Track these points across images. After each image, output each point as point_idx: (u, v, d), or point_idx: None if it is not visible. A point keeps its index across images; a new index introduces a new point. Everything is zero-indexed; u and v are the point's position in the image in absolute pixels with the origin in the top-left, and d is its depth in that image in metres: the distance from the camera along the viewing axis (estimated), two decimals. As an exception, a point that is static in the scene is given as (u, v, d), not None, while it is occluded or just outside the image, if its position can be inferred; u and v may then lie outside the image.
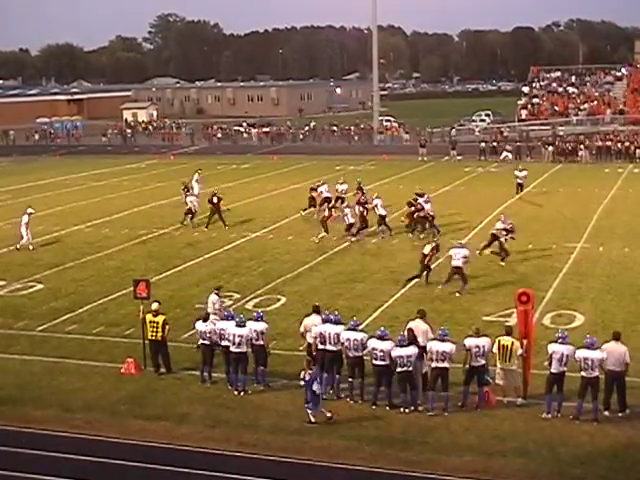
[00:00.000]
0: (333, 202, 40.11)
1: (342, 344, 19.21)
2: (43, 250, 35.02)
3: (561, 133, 70.04)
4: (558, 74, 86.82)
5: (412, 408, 18.42)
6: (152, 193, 50.00)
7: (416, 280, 28.24)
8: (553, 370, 18.20)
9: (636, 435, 17.07)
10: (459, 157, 66.94)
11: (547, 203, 43.12)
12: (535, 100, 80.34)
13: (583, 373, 17.95)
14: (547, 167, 59.86)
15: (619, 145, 65.21)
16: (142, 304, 21.36)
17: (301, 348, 20.99)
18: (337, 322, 19.68)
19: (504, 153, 64.51)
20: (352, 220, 35.24)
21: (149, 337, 20.94)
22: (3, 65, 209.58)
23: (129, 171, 63.14)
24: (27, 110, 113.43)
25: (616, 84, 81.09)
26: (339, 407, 18.72)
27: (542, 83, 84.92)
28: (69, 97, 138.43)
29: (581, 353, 18.00)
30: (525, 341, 18.99)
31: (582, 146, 64.45)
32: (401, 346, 18.47)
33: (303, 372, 18.21)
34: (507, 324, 20.91)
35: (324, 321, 19.76)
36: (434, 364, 18.35)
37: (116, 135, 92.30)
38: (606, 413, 18.00)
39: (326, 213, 36.09)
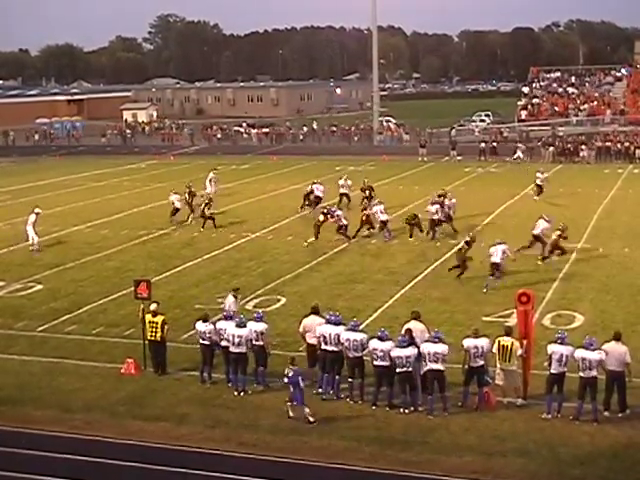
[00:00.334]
0: (342, 199, 40.64)
1: (342, 345, 19.25)
2: (43, 250, 35.00)
3: (561, 134, 70.02)
4: (558, 74, 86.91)
5: (412, 409, 18.43)
6: (152, 194, 49.98)
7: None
8: (553, 371, 18.22)
9: (636, 435, 17.08)
10: (459, 157, 66.93)
11: (547, 203, 43.09)
12: (535, 100, 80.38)
13: (581, 373, 17.98)
14: (547, 167, 59.76)
15: (619, 145, 65.19)
16: (142, 304, 21.36)
17: (301, 349, 20.98)
18: (337, 323, 19.68)
19: (517, 152, 64.43)
20: (345, 222, 35.14)
21: (148, 337, 20.96)
22: (3, 65, 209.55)
23: (129, 172, 63.15)
24: (27, 110, 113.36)
25: (616, 84, 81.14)
26: (339, 407, 18.75)
27: (542, 83, 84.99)
28: (69, 97, 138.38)
29: (579, 353, 18.02)
30: (525, 341, 19.00)
31: (584, 146, 64.48)
32: (401, 347, 18.48)
33: (287, 369, 18.31)
34: (507, 324, 20.90)
35: (327, 322, 19.81)
36: (428, 366, 18.33)
37: (116, 136, 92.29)
38: (606, 413, 18.00)
39: (321, 218, 35.51)
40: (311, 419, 17.93)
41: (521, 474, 15.74)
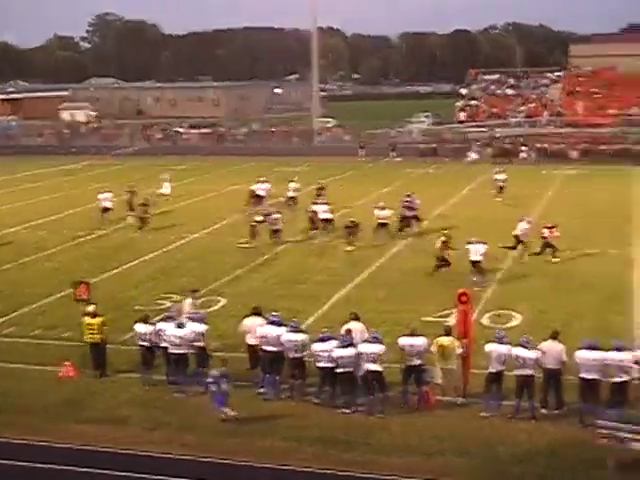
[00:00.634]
0: (290, 201, 40.81)
1: (283, 345, 19.26)
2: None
3: (498, 135, 70.73)
4: (496, 76, 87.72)
5: (354, 409, 18.51)
6: (90, 194, 49.30)
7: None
8: (491, 369, 18.43)
9: (573, 432, 17.33)
10: (398, 158, 67.25)
11: (486, 204, 43.55)
12: (473, 102, 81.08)
13: (518, 372, 18.21)
14: (486, 168, 60.41)
15: (555, 147, 66.17)
16: (82, 306, 21.17)
17: (242, 350, 20.94)
18: (278, 323, 19.70)
19: (472, 155, 64.96)
20: (280, 226, 34.99)
21: (87, 339, 20.76)
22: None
23: (66, 172, 62.39)
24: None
25: (552, 86, 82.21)
26: (280, 408, 18.76)
27: (480, 85, 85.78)
28: (4, 97, 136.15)
29: (516, 352, 18.28)
30: (464, 341, 19.18)
31: (524, 147, 65.44)
32: (342, 347, 18.55)
33: (211, 371, 18.34)
34: (446, 324, 21.06)
35: (268, 323, 19.82)
36: (366, 366, 18.41)
37: (53, 135, 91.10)
38: (543, 411, 18.24)
39: (258, 219, 35.38)
40: (231, 414, 17.94)
41: (460, 473, 15.88)
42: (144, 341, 20.24)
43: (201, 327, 20.09)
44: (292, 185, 43.80)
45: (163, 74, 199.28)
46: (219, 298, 27.29)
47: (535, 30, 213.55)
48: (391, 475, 15.81)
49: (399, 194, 40.23)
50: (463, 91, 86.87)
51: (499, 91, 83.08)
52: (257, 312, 20.69)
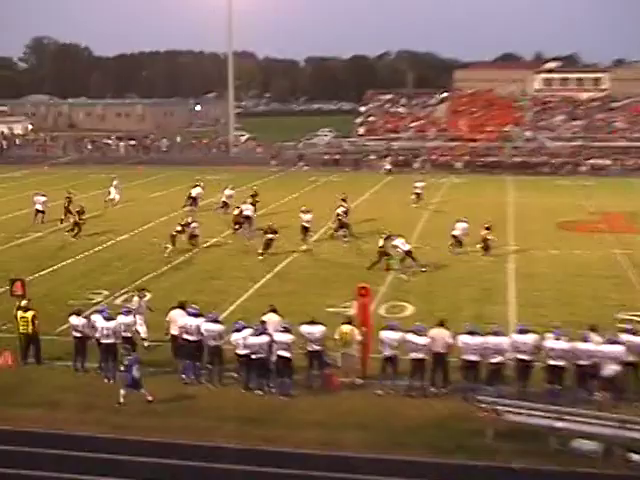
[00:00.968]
0: (224, 206, 40.62)
1: (202, 335, 19.15)
2: None
3: (395, 147, 71.43)
4: (390, 96, 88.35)
5: (267, 390, 18.48)
6: (28, 200, 48.24)
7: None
8: (386, 353, 18.61)
9: (457, 407, 17.59)
10: (306, 168, 67.50)
11: (382, 208, 43.90)
12: (371, 119, 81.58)
13: (412, 355, 18.42)
14: (382, 177, 61.10)
15: (442, 158, 67.58)
16: (18, 301, 20.74)
17: (166, 338, 20.73)
18: (197, 315, 19.60)
19: (385, 165, 65.35)
20: (197, 233, 34.15)
21: (21, 331, 20.34)
22: None
23: (4, 180, 60.73)
24: None
25: (439, 106, 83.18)
26: (200, 391, 18.64)
27: (377, 104, 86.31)
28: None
29: (409, 338, 18.50)
30: (364, 329, 19.32)
31: (417, 159, 67.02)
32: (256, 335, 18.53)
33: (124, 358, 18.13)
34: (347, 314, 21.17)
35: (187, 314, 19.69)
36: (279, 352, 18.41)
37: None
38: (432, 389, 18.49)
39: (178, 228, 33.53)
40: (149, 398, 17.76)
41: (360, 444, 16.01)
42: (77, 332, 19.91)
43: (129, 319, 19.88)
44: (227, 192, 43.42)
45: (94, 91, 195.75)
46: (145, 293, 26.87)
47: (424, 57, 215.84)
48: (300, 448, 15.86)
49: (305, 199, 40.32)
50: (362, 109, 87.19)
51: (393, 109, 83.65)
52: (181, 305, 20.53)
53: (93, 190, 50.11)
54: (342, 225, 35.78)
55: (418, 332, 18.54)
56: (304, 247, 33.92)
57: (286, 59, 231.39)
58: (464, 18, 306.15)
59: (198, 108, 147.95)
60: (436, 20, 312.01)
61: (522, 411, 16.32)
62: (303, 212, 35.52)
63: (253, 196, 41.39)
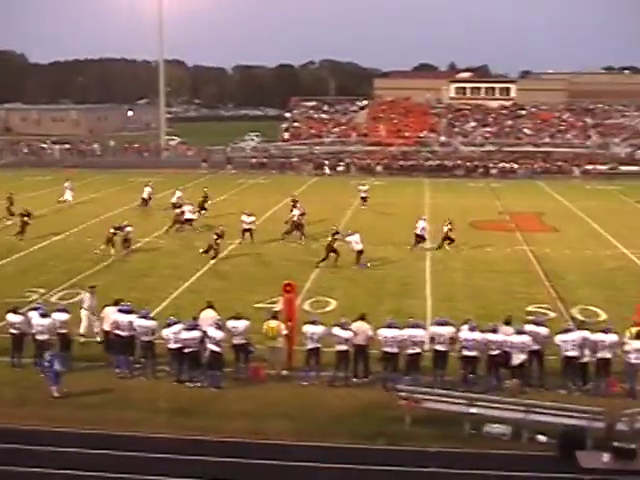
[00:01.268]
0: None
1: (135, 330, 18.90)
2: None
3: (316, 151, 71.61)
4: (314, 103, 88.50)
5: (198, 383, 18.33)
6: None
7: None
8: (310, 346, 18.66)
9: (377, 396, 17.73)
10: (234, 171, 67.26)
11: (307, 208, 43.89)
12: (295, 124, 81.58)
13: (337, 347, 18.49)
14: (306, 179, 61.18)
15: (362, 162, 68.18)
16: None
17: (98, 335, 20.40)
18: (129, 311, 19.35)
19: (325, 169, 65.65)
20: (131, 236, 33.12)
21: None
22: None
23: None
24: None
25: (360, 113, 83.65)
26: (134, 384, 18.41)
27: (301, 110, 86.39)
28: None
29: (334, 331, 18.57)
30: (289, 323, 19.32)
31: (341, 162, 67.56)
32: (188, 330, 18.39)
33: (46, 354, 17.82)
34: (274, 309, 21.16)
35: (119, 311, 19.42)
36: (210, 347, 18.30)
37: None
38: (354, 380, 18.59)
39: (112, 231, 32.62)
40: (55, 394, 17.50)
41: (286, 433, 16.00)
42: (14, 329, 19.49)
43: (64, 316, 19.54)
44: (178, 194, 42.87)
45: (29, 97, 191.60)
46: (80, 291, 26.39)
47: (346, 66, 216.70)
48: (229, 437, 15.77)
49: (233, 201, 40.02)
50: (287, 115, 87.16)
51: (316, 115, 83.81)
52: (116, 302, 20.23)
53: (28, 191, 49.01)
54: (297, 227, 35.68)
55: (342, 326, 18.63)
56: (238, 242, 33.89)
57: (215, 67, 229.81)
58: (384, 29, 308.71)
59: (130, 113, 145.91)
60: (358, 31, 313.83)
61: (438, 398, 16.54)
62: (246, 214, 35.31)
63: (204, 198, 41.43)
